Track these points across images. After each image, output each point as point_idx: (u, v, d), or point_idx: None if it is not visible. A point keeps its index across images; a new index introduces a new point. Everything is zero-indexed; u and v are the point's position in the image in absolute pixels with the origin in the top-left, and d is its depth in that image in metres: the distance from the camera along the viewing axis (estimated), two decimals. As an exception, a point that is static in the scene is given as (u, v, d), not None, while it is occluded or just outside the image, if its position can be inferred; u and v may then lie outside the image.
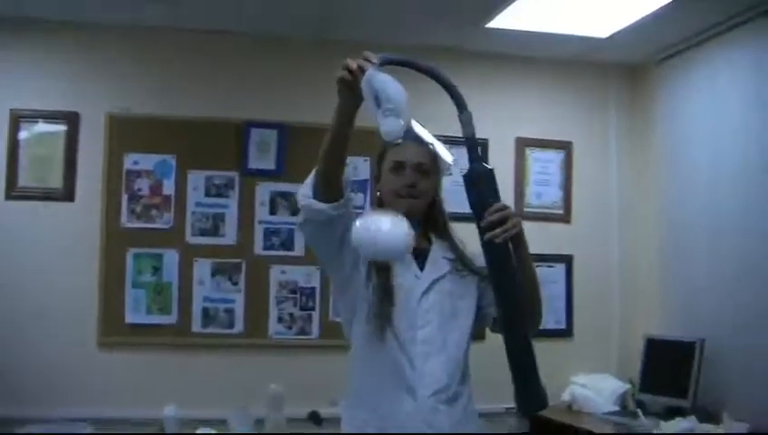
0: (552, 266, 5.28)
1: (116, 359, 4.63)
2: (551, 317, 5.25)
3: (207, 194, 4.78)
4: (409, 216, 2.50)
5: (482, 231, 2.42)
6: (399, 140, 2.52)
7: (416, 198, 2.69)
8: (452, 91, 2.42)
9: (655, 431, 3.93)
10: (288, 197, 4.83)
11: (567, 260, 5.33)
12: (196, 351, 4.70)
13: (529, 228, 4.87)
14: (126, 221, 4.70)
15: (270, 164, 4.86)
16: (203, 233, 4.76)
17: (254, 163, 4.85)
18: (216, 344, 4.71)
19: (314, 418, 3.11)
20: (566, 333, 5.32)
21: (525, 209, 5.24)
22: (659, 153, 5.21)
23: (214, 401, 4.43)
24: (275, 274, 4.83)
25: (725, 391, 4.44)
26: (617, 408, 4.93)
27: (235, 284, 4.78)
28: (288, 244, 4.83)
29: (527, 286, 2.56)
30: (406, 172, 2.68)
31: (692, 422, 3.87)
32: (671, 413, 4.35)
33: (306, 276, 4.80)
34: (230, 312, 4.76)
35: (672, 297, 5.02)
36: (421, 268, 2.71)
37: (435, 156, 2.73)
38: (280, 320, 4.83)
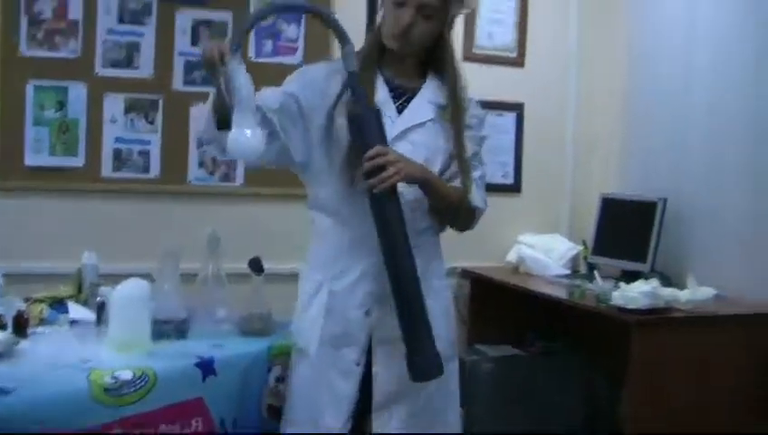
0: (501, 115, 5.21)
1: (16, 206, 4.43)
2: (498, 171, 5.21)
3: (121, 20, 4.51)
4: (403, 58, 2.61)
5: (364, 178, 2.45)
6: None
7: (410, 43, 2.59)
8: (333, 24, 2.49)
9: (615, 293, 3.90)
10: (212, 25, 4.63)
11: (518, 108, 5.25)
12: (107, 197, 4.52)
13: (479, 72, 4.97)
14: (26, 49, 4.41)
15: (193, -13, 4.63)
16: (115, 64, 4.51)
17: (175, -14, 4.60)
18: (130, 190, 4.54)
19: (255, 265, 3.02)
20: (513, 188, 5.27)
21: (475, 51, 5.12)
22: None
23: (131, 254, 4.25)
24: (197, 112, 4.63)
25: (688, 255, 4.45)
26: (567, 271, 4.93)
27: (151, 123, 4.58)
28: (211, 78, 4.64)
29: (445, 218, 2.71)
30: (406, 9, 2.55)
31: (654, 285, 3.85)
32: (627, 278, 4.32)
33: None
34: (145, 154, 4.58)
35: (632, 154, 4.99)
36: (401, 111, 2.64)
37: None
38: (201, 164, 4.66)
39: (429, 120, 2.66)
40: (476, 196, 2.73)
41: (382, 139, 2.49)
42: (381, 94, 2.65)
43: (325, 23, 2.53)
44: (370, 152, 2.44)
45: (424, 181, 2.56)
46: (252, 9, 4.65)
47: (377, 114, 2.50)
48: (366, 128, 2.48)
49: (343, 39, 2.49)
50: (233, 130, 2.37)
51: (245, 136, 2.36)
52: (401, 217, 2.51)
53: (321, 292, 2.65)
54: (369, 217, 2.55)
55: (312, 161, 2.65)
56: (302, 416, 2.68)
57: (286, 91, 2.63)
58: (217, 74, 2.39)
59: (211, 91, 2.54)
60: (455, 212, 2.70)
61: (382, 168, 2.42)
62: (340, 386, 2.62)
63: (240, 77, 2.35)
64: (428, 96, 2.69)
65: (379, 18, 2.67)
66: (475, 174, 2.76)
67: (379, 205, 2.48)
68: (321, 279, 2.66)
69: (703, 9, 4.47)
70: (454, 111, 2.67)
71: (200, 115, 2.62)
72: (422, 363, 2.50)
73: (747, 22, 4.17)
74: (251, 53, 4.66)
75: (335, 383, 2.62)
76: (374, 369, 2.62)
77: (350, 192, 2.59)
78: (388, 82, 2.66)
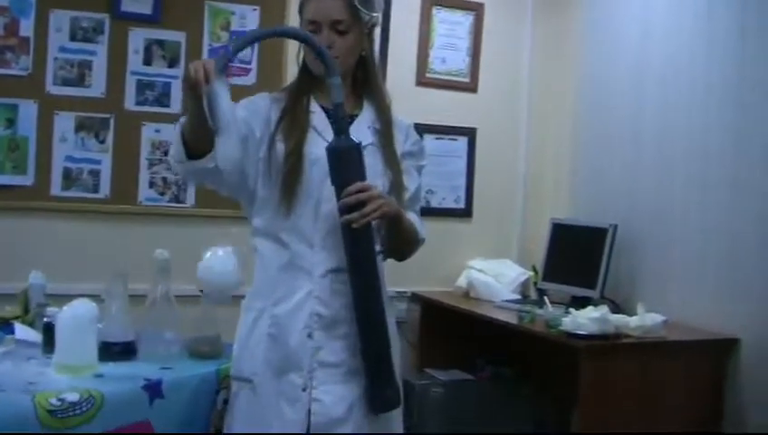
0: (453, 140, 5.24)
1: (-39, 223, 4.37)
2: (449, 195, 5.23)
3: (73, 38, 4.48)
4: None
5: (340, 212, 2.45)
6: None
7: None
8: (321, 55, 2.46)
9: (564, 319, 3.92)
10: (166, 45, 4.62)
11: (470, 133, 5.28)
12: (56, 216, 4.47)
13: (432, 96, 4.99)
14: (-25, 65, 4.37)
15: (146, 7, 4.58)
16: (66, 82, 4.48)
17: (128, 5, 4.56)
18: (79, 209, 4.50)
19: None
20: (465, 213, 5.29)
21: (428, 75, 5.16)
22: (582, 26, 5.16)
23: (79, 275, 4.21)
24: (148, 132, 4.62)
25: (637, 282, 4.49)
26: (517, 296, 4.95)
27: (102, 142, 4.54)
28: (163, 99, 4.61)
29: (398, 250, 2.72)
30: (321, 33, 2.57)
31: (603, 312, 3.86)
32: (577, 304, 4.34)
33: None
34: (95, 174, 4.54)
35: (583, 180, 5.03)
36: None
37: (355, 8, 2.60)
38: (152, 185, 4.64)
39: (370, 144, 2.65)
40: (422, 228, 2.77)
41: (362, 173, 2.48)
42: (318, 120, 2.64)
43: (314, 52, 2.51)
44: (352, 187, 2.44)
45: (396, 218, 2.58)
46: (205, 28, 4.66)
47: (357, 148, 2.49)
48: (347, 161, 2.47)
49: (331, 70, 2.47)
50: (219, 147, 2.36)
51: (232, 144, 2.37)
52: (374, 252, 2.53)
53: (263, 318, 2.63)
54: (308, 238, 2.58)
55: (256, 189, 2.64)
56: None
57: (239, 117, 2.61)
58: (199, 94, 2.33)
59: (179, 121, 2.51)
60: (409, 244, 2.74)
61: (362, 203, 2.43)
62: (287, 413, 2.59)
63: (225, 99, 2.32)
64: (367, 121, 2.70)
65: (301, 53, 2.68)
66: (418, 206, 2.81)
67: (355, 239, 2.48)
68: (263, 306, 2.63)
69: (654, 36, 4.53)
70: (387, 132, 2.70)
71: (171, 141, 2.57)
72: (384, 397, 2.56)
73: (698, 47, 4.23)
74: (204, 73, 4.63)
75: (283, 410, 2.59)
76: (314, 393, 2.59)
77: (288, 217, 2.59)
78: (325, 110, 2.66)
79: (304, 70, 2.69)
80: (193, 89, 2.31)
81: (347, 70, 2.66)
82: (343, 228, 2.47)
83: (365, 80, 2.73)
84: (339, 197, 2.45)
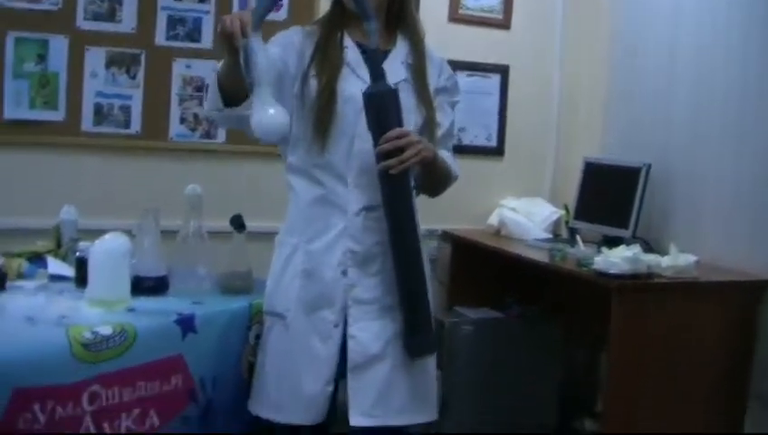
0: (486, 77, 5.19)
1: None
2: (481, 133, 5.20)
3: (103, -28, 4.47)
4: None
5: (377, 158, 2.43)
6: None
7: None
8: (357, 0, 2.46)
9: (596, 258, 3.90)
10: (197, -19, 4.60)
11: (503, 70, 5.22)
12: (87, 152, 4.47)
13: (464, 33, 4.95)
14: (6, 0, 4.32)
15: (176, -61, 4.56)
16: (97, 17, 4.45)
17: (158, -63, 4.53)
18: (110, 145, 4.50)
19: (237, 223, 3.00)
20: (497, 151, 5.26)
21: (461, 11, 5.09)
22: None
23: (111, 210, 4.23)
24: (179, 68, 4.59)
25: (670, 222, 4.45)
26: (548, 235, 4.93)
27: (133, 77, 4.53)
28: (194, 34, 4.58)
29: (431, 188, 2.76)
30: None
31: (636, 251, 3.83)
32: (609, 243, 4.32)
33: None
34: (126, 109, 4.52)
35: (616, 119, 4.97)
36: None
37: None
38: (182, 121, 4.63)
39: (403, 80, 2.65)
40: (455, 165, 2.77)
41: (399, 119, 2.47)
42: (352, 56, 2.63)
43: None
44: (391, 133, 2.43)
45: (433, 162, 2.57)
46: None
47: (395, 94, 2.48)
48: (384, 108, 2.46)
49: (366, 15, 2.46)
50: (255, 110, 2.34)
51: (269, 115, 2.35)
52: (411, 195, 2.54)
53: (297, 254, 2.64)
54: (342, 176, 2.59)
55: (291, 126, 2.63)
56: (279, 380, 2.66)
57: (273, 54, 2.58)
58: (235, 46, 2.32)
59: (215, 70, 2.51)
60: (442, 182, 2.75)
61: (400, 149, 2.42)
62: (318, 349, 2.61)
63: (261, 52, 2.31)
64: (400, 57, 2.68)
65: None
66: (451, 143, 2.82)
67: (392, 184, 2.48)
68: (297, 242, 2.65)
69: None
70: (420, 66, 2.69)
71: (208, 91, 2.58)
72: (421, 342, 2.59)
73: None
74: (236, 7, 4.61)
75: (314, 346, 2.61)
76: (349, 330, 2.61)
77: (321, 155, 2.59)
78: (359, 45, 2.64)
79: (337, 2, 2.67)
80: (229, 41, 2.31)
81: (381, 3, 2.64)
82: (381, 174, 2.47)
83: (399, 12, 2.70)
84: (376, 143, 2.45)
